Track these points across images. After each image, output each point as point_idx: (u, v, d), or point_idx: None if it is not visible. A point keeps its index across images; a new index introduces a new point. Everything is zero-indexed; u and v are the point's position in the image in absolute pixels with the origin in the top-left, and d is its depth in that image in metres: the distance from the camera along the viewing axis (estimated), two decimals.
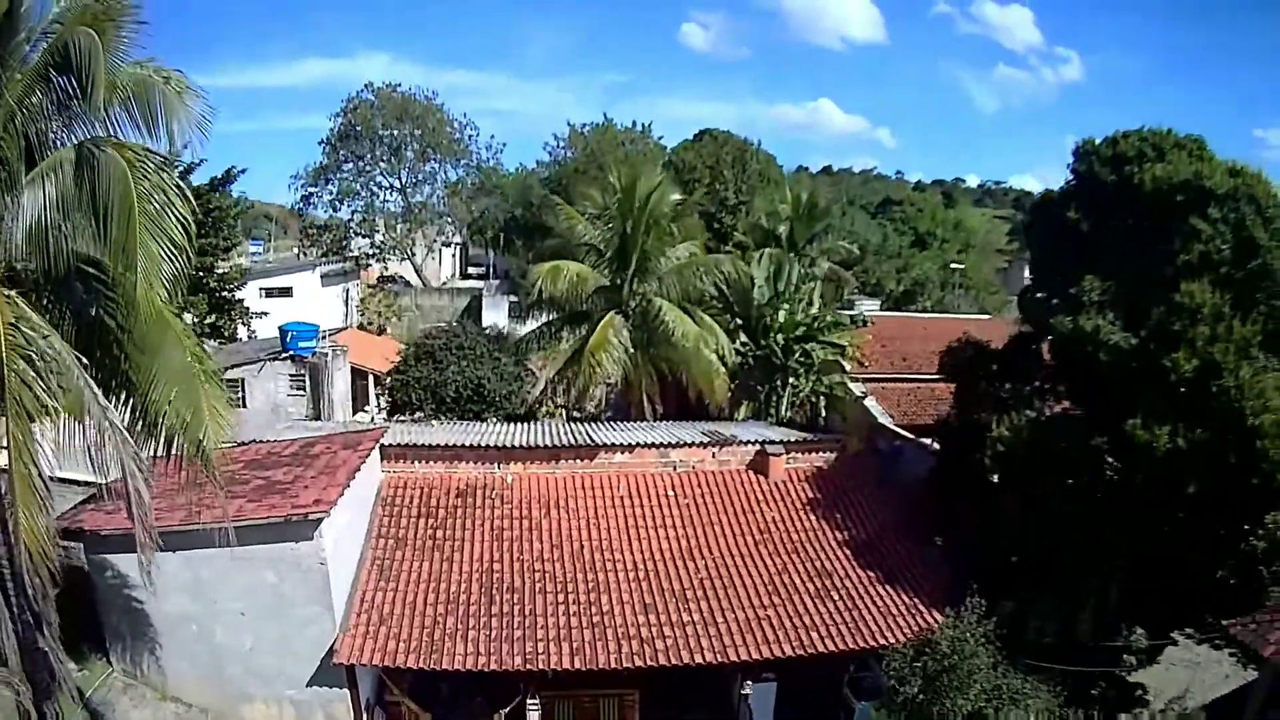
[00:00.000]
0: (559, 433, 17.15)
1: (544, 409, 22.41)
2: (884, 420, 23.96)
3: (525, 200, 52.49)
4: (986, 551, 14.17)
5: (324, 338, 26.29)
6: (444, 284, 54.75)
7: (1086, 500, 12.71)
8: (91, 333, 8.41)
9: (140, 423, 8.72)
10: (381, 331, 37.36)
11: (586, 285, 20.74)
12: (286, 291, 37.58)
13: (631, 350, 20.41)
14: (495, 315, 43.31)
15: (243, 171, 31.83)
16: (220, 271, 30.68)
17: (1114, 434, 12.75)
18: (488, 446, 16.08)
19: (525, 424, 18.91)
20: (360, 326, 41.44)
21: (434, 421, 19.00)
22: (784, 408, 23.34)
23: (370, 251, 46.88)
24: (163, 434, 8.59)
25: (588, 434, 16.88)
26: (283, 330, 24.34)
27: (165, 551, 10.64)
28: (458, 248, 58.93)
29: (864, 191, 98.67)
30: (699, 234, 24.85)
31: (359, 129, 45.52)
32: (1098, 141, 15.73)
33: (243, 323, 32.87)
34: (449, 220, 49.38)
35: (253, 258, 61.03)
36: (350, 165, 46.52)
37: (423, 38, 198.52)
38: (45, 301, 8.33)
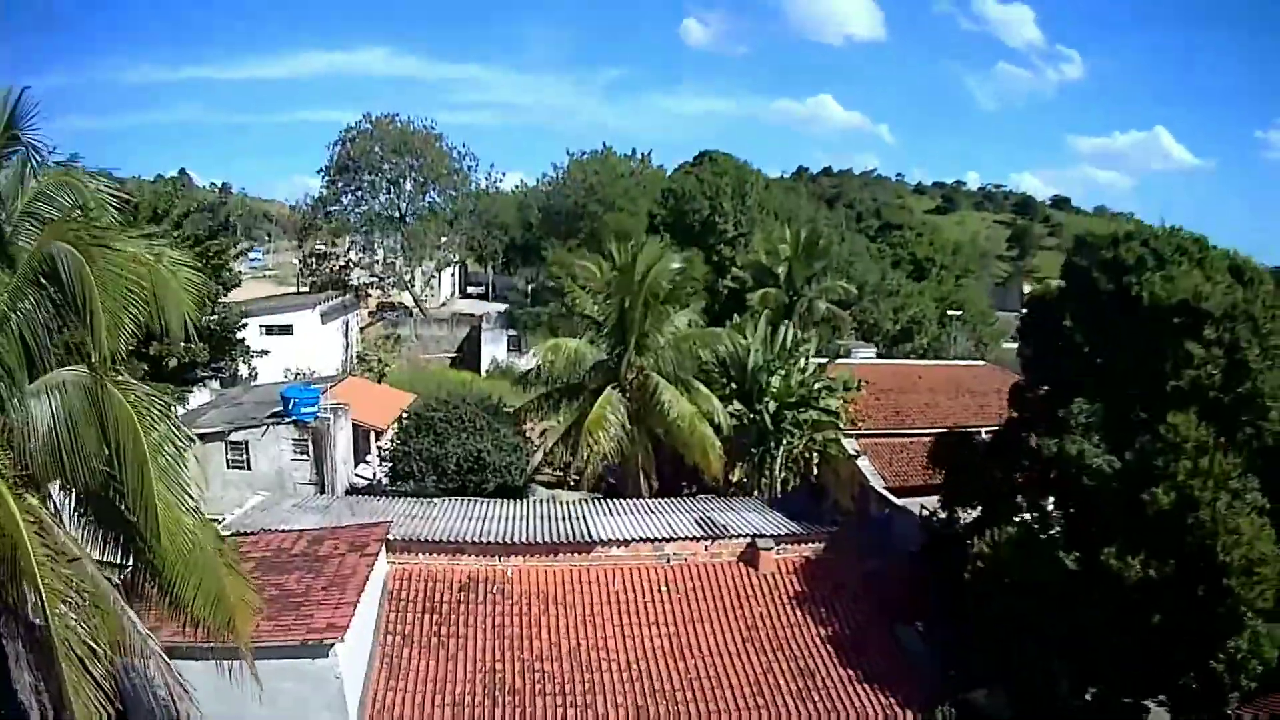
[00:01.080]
0: (557, 523, 17.67)
1: (541, 475, 22.90)
2: (875, 482, 24.52)
3: (524, 221, 52.89)
4: (964, 647, 14.77)
5: (325, 391, 26.76)
6: (443, 305, 55.06)
7: (1059, 612, 13.18)
8: (114, 526, 8.83)
9: (165, 599, 9.18)
10: (381, 378, 37.70)
11: (585, 361, 21.24)
12: (287, 329, 37.96)
13: (628, 426, 20.92)
14: (494, 349, 43.59)
15: (238, 218, 32.17)
16: (220, 315, 31.05)
17: (1090, 555, 13.24)
18: (489, 541, 16.62)
19: (524, 503, 19.42)
20: (359, 357, 41.76)
21: (434, 501, 19.51)
22: (778, 468, 23.94)
23: (369, 280, 47.21)
24: (190, 615, 9.06)
25: (585, 527, 17.40)
26: (284, 397, 24.80)
27: (189, 660, 11.13)
28: (457, 266, 59.26)
29: (863, 195, 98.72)
30: (697, 299, 25.33)
31: (359, 161, 45.72)
32: (1098, 234, 16.01)
33: (244, 362, 33.35)
34: (447, 254, 49.66)
35: (252, 263, 61.30)
36: (349, 198, 46.84)
37: (422, 31, 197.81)
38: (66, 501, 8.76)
